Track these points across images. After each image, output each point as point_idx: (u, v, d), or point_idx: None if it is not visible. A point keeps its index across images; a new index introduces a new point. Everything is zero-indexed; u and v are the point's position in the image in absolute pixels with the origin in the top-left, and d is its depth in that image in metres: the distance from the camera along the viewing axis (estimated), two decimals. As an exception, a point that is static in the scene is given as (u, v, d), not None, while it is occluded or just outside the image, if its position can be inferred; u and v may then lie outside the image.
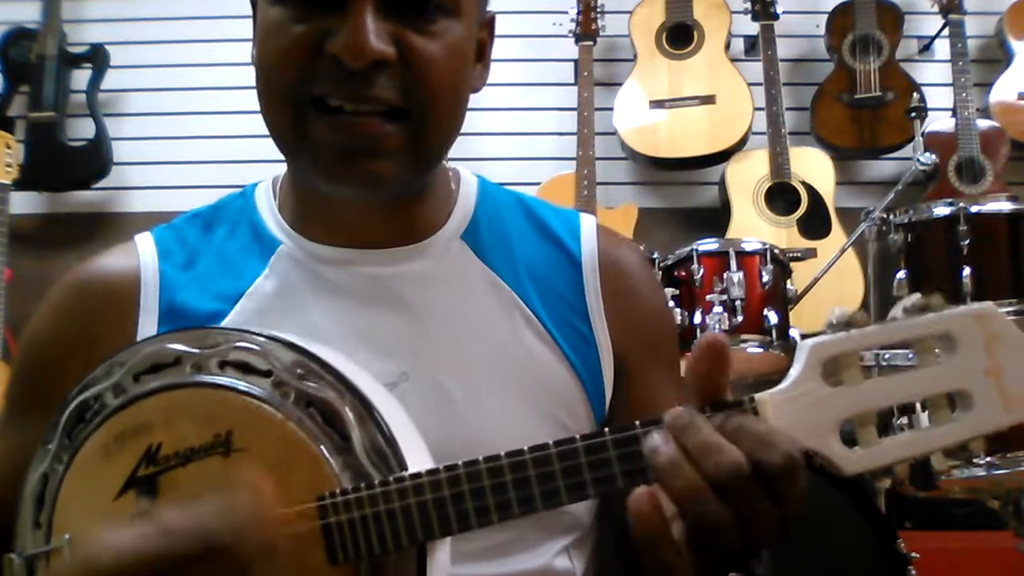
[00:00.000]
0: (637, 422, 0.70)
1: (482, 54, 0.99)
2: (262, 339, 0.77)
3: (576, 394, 0.98)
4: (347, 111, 0.87)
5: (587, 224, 1.05)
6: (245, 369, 0.75)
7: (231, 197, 1.05)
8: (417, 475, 0.71)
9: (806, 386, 0.69)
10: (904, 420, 1.69)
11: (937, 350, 0.70)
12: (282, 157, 0.95)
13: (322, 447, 0.73)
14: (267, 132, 0.92)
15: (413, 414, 0.81)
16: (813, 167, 3.23)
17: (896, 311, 0.70)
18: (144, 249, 1.00)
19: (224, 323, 0.94)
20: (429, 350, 0.95)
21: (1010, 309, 2.44)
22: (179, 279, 0.98)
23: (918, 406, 0.72)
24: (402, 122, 0.88)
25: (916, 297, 0.70)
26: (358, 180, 0.89)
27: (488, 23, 1.00)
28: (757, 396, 0.70)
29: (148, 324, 0.95)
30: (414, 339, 0.95)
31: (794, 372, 0.70)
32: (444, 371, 0.94)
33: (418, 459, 0.76)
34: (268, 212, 1.01)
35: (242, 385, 0.75)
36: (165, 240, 1.01)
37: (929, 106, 3.02)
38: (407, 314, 0.96)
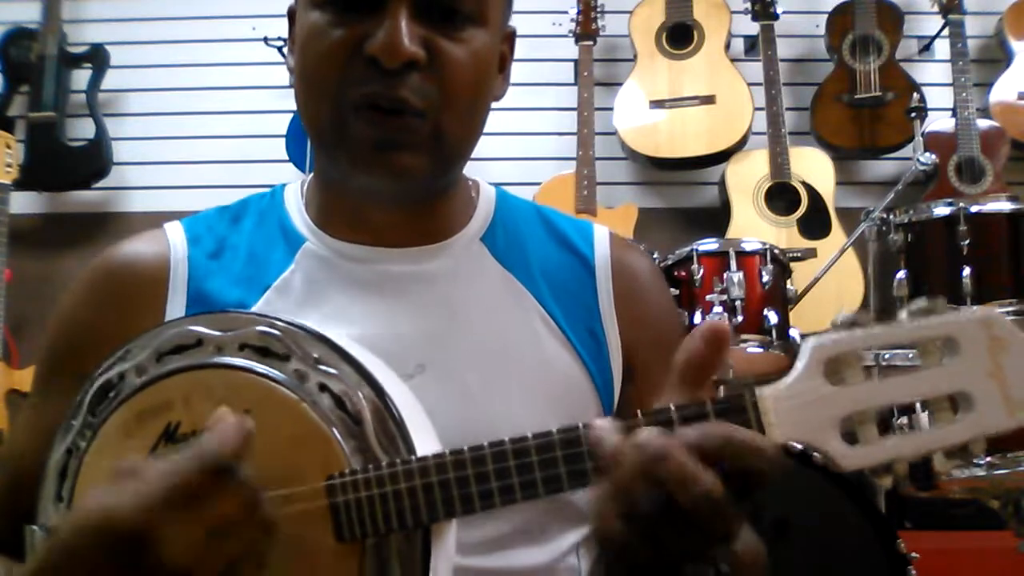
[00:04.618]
0: (639, 411, 0.72)
1: (503, 66, 1.05)
2: (282, 324, 0.79)
3: (587, 390, 1.01)
4: (382, 108, 0.92)
5: (600, 232, 1.10)
6: (264, 352, 0.78)
7: (259, 195, 1.10)
8: (423, 458, 0.73)
9: (808, 383, 0.70)
10: (904, 420, 1.69)
11: (940, 353, 0.70)
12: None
13: (334, 430, 0.75)
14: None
15: (429, 405, 0.84)
16: (813, 167, 3.24)
17: (901, 314, 0.71)
18: (174, 236, 1.03)
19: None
20: (447, 344, 0.98)
21: (1010, 309, 2.44)
22: (207, 267, 1.01)
23: (918, 406, 0.72)
24: (427, 119, 0.93)
25: (921, 301, 0.70)
26: (386, 171, 0.94)
27: (509, 37, 1.05)
28: (758, 390, 0.70)
29: (176, 309, 0.98)
30: (432, 332, 0.98)
31: (796, 369, 0.70)
32: (461, 364, 0.97)
33: (427, 445, 0.77)
34: (296, 211, 1.05)
35: (260, 367, 0.77)
36: (194, 228, 1.04)
37: (929, 106, 3.02)
38: (426, 309, 0.99)
